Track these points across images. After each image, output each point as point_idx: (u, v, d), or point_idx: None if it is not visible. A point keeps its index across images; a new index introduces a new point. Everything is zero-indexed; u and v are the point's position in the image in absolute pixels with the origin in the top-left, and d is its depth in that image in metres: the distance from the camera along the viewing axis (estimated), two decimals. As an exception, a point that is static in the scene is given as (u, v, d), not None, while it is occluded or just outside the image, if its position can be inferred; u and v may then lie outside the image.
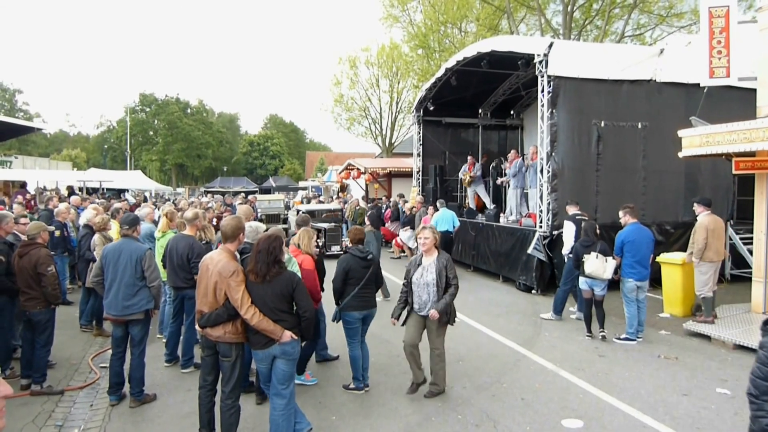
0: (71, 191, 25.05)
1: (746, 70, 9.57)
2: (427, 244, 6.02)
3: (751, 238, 9.76)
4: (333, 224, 17.08)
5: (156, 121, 77.28)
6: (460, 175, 17.95)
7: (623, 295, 8.40)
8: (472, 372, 7.09)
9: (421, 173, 19.58)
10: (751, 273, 9.62)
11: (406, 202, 18.83)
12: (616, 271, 8.32)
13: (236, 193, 44.86)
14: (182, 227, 7.65)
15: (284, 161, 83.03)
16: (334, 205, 22.56)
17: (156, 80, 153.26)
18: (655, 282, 10.33)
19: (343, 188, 33.52)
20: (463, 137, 20.35)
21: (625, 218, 8.67)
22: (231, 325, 4.74)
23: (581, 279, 8.52)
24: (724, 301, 9.93)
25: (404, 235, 16.22)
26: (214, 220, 12.27)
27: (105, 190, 31.82)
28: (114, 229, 8.88)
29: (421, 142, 19.54)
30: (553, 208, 11.54)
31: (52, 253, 7.12)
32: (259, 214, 23.33)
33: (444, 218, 13.57)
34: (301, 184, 56.92)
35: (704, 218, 8.88)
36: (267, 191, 49.29)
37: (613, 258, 8.26)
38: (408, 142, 34.18)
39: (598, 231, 8.86)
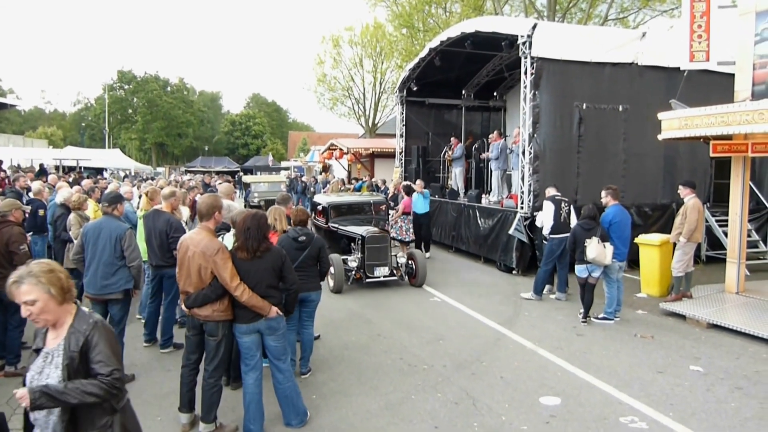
0: (42, 169, 24.56)
1: (726, 54, 9.65)
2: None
3: (727, 221, 9.93)
4: (376, 231, 10.59)
5: (135, 99, 75.97)
6: (444, 156, 17.98)
7: (605, 276, 8.49)
8: (453, 351, 7.16)
9: (403, 154, 19.54)
10: (725, 254, 9.80)
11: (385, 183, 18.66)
12: None
13: (231, 173, 43.90)
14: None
15: (266, 141, 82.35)
16: (373, 195, 15.68)
17: (134, 57, 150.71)
18: (633, 263, 10.50)
19: (326, 168, 33.40)
20: (447, 118, 20.32)
21: (606, 199, 8.76)
22: (219, 303, 4.74)
23: (579, 266, 8.36)
24: (699, 281, 10.12)
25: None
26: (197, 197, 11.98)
27: (82, 169, 31.34)
28: (90, 208, 8.76)
29: (404, 123, 19.47)
30: (534, 189, 11.61)
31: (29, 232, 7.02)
32: (256, 200, 21.35)
33: (419, 201, 13.70)
34: (284, 164, 56.50)
35: (693, 200, 9.03)
36: (249, 172, 48.73)
37: (611, 243, 8.25)
38: (391, 122, 34.08)
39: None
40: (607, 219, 8.54)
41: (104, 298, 5.91)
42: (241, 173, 47.06)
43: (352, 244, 10.87)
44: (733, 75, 9.21)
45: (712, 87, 10.90)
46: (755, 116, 7.45)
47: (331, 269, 9.76)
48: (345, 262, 10.29)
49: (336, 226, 11.45)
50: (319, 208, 12.45)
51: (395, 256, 10.87)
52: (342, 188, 21.08)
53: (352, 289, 10.32)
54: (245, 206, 19.24)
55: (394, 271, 10.58)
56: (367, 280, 10.31)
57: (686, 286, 9.27)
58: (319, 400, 5.70)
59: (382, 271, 10.35)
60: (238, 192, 30.95)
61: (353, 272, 10.37)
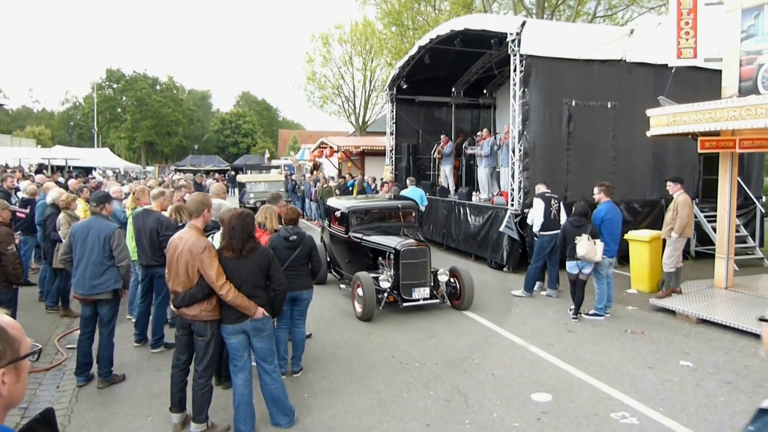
0: (40, 169, 24.42)
1: (713, 51, 9.72)
2: None
3: (715, 216, 10.00)
4: (413, 243, 8.84)
5: (124, 98, 75.41)
6: (433, 153, 18.02)
7: (595, 272, 8.53)
8: (444, 348, 7.17)
9: (394, 152, 19.52)
10: (714, 250, 9.87)
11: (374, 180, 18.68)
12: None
13: (221, 171, 43.39)
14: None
15: (257, 139, 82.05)
16: (384, 197, 12.85)
17: (123, 55, 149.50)
18: (623, 259, 10.57)
19: (316, 167, 33.30)
20: (437, 116, 20.32)
21: (599, 195, 8.78)
22: (206, 302, 4.73)
23: (570, 263, 8.39)
24: (688, 277, 10.19)
25: None
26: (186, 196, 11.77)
27: (71, 168, 31.12)
28: (80, 208, 8.70)
29: (394, 121, 19.46)
30: (524, 186, 11.64)
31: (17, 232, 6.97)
32: (251, 201, 20.17)
33: (411, 196, 13.51)
34: (274, 162, 56.26)
35: (683, 196, 9.06)
36: (239, 170, 48.40)
37: (601, 240, 8.28)
38: (381, 120, 34.02)
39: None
40: (600, 216, 8.57)
41: (93, 299, 5.87)
42: (233, 172, 46.67)
43: (380, 258, 9.13)
44: (720, 71, 9.28)
45: (700, 83, 11.00)
46: (742, 112, 7.50)
47: (359, 291, 8.41)
48: (375, 281, 8.54)
49: (359, 236, 9.46)
50: (337, 214, 10.21)
51: (435, 272, 9.06)
52: (325, 186, 20.99)
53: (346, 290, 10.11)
54: (241, 206, 18.88)
55: (435, 292, 8.86)
56: (404, 304, 8.51)
57: (675, 281, 9.32)
58: (311, 398, 5.70)
59: (421, 293, 8.58)
60: (231, 191, 30.40)
61: (386, 294, 8.53)
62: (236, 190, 31.57)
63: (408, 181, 14.24)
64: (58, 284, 8.61)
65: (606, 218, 8.51)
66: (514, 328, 7.99)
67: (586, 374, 6.26)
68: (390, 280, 8.56)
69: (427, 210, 14.62)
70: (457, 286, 8.99)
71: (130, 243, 7.25)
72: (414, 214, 10.46)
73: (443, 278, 8.96)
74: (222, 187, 8.70)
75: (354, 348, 7.21)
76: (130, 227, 7.65)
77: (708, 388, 5.89)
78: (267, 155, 56.10)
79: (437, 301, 8.85)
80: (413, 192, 13.61)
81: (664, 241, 9.32)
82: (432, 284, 8.84)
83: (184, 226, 6.66)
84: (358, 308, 8.45)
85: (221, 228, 5.58)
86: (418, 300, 8.59)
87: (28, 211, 9.83)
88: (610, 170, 12.08)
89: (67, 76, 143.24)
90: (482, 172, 14.95)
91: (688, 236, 9.30)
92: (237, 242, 4.70)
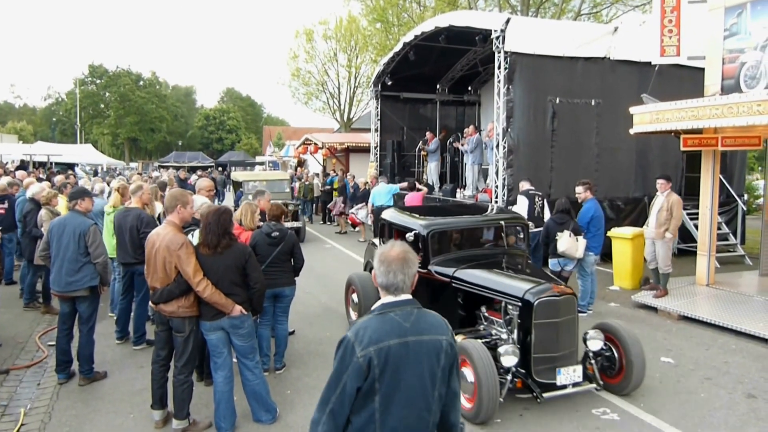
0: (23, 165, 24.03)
1: (697, 49, 9.80)
2: None
3: (698, 214, 10.08)
4: (548, 288, 5.49)
5: (107, 94, 74.57)
6: (419, 150, 18.04)
7: (580, 269, 8.55)
8: (428, 345, 7.13)
9: (378, 148, 19.53)
10: (696, 247, 9.96)
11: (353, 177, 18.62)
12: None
13: (203, 168, 42.58)
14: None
15: (241, 136, 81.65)
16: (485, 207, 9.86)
17: (106, 50, 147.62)
18: (605, 256, 10.62)
19: (301, 163, 33.16)
20: (421, 112, 20.35)
21: (585, 194, 8.76)
22: (184, 299, 4.69)
23: (552, 260, 8.38)
24: (670, 274, 10.26)
25: (362, 213, 15.23)
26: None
27: (53, 164, 30.71)
28: (61, 204, 8.58)
29: (378, 117, 19.46)
30: (508, 183, 11.68)
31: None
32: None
33: (379, 193, 13.69)
34: (258, 159, 55.93)
35: (676, 195, 8.95)
36: (223, 167, 47.98)
37: (584, 237, 8.26)
38: (366, 117, 33.91)
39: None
40: (589, 214, 8.56)
41: (70, 295, 5.78)
42: (219, 168, 46.17)
43: (483, 309, 6.02)
44: (703, 69, 9.36)
45: (683, 81, 11.08)
46: (725, 110, 7.56)
47: (468, 374, 4.96)
48: (495, 356, 5.08)
49: (447, 272, 6.24)
50: (409, 237, 6.59)
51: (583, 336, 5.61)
52: (307, 183, 20.79)
53: (333, 280, 10.04)
54: (235, 209, 17.89)
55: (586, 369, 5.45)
56: (545, 395, 5.08)
57: (655, 280, 9.32)
58: (294, 395, 5.67)
59: (570, 375, 5.22)
60: (220, 196, 29.30)
61: (509, 377, 5.14)
62: (226, 191, 30.93)
63: (378, 179, 14.15)
64: (31, 280, 8.53)
65: (595, 216, 8.54)
66: (498, 325, 7.98)
67: (569, 370, 6.28)
68: (517, 353, 5.14)
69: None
70: (615, 355, 5.55)
71: (110, 240, 7.15)
72: (522, 235, 7.22)
73: (595, 345, 5.52)
74: (209, 183, 8.29)
75: (336, 343, 7.15)
76: (108, 224, 7.53)
77: (689, 384, 5.95)
78: (271, 149, 54.86)
79: (592, 386, 5.41)
80: (380, 188, 13.51)
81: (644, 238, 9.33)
82: (587, 355, 5.57)
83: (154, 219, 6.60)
84: (467, 403, 5.01)
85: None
86: (565, 387, 5.21)
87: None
88: (593, 167, 12.14)
89: (49, 71, 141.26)
90: (470, 169, 14.99)
91: (676, 235, 9.33)
92: (212, 238, 4.65)
